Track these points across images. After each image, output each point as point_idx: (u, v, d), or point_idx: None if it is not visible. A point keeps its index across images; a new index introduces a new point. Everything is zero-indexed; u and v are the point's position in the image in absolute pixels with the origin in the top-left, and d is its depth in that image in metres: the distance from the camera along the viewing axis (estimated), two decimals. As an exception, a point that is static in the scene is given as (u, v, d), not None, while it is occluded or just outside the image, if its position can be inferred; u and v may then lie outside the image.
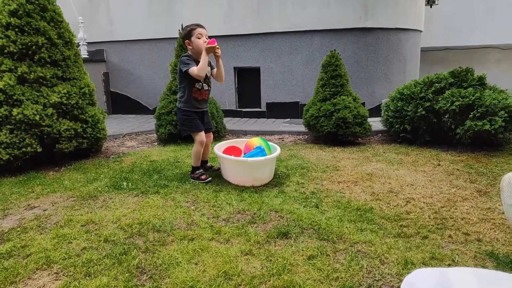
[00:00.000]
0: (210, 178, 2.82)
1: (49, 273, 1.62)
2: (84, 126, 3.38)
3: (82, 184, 2.82)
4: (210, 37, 2.70)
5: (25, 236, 1.97)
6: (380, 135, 4.53)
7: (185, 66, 2.65)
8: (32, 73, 3.06)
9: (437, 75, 3.93)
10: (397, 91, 4.11)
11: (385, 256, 1.70)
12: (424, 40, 6.97)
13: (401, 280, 1.40)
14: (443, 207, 2.27)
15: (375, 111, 5.50)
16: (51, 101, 3.12)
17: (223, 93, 5.99)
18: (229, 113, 5.96)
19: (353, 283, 1.50)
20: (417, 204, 2.33)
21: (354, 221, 2.07)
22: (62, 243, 1.88)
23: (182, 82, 2.77)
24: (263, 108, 6.01)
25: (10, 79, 2.98)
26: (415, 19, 6.02)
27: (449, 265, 1.64)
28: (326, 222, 2.05)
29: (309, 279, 1.53)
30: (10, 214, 2.29)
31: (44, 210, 2.33)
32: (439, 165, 3.18)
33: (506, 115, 3.38)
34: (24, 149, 3.01)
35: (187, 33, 2.71)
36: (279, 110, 5.89)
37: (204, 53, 2.58)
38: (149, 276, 1.58)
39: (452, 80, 3.80)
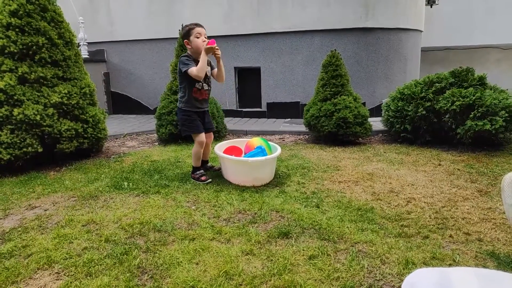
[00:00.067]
0: (210, 180, 2.82)
1: (50, 273, 1.62)
2: (85, 126, 3.38)
3: (83, 184, 2.82)
4: (210, 37, 2.70)
5: (26, 236, 1.97)
6: (381, 135, 4.53)
7: (184, 66, 2.65)
8: (33, 73, 3.07)
9: (437, 75, 3.93)
10: (397, 91, 4.11)
11: (386, 256, 1.70)
12: (424, 40, 6.97)
13: (402, 280, 1.40)
14: (444, 207, 2.27)
15: (375, 111, 5.50)
16: (51, 101, 3.12)
17: (224, 93, 6.00)
18: (229, 113, 5.97)
19: (354, 283, 1.50)
20: (418, 204, 2.33)
21: (355, 221, 2.07)
22: (63, 243, 1.88)
23: (182, 82, 2.78)
24: (264, 108, 6.01)
25: (10, 79, 2.98)
26: (415, 19, 6.02)
27: (450, 265, 1.64)
28: (327, 222, 2.05)
29: (310, 279, 1.54)
30: (11, 214, 2.30)
31: (45, 210, 2.34)
32: (439, 165, 3.18)
33: (506, 115, 3.38)
34: (25, 149, 3.02)
35: (186, 32, 2.71)
36: (279, 110, 5.89)
37: (203, 53, 2.58)
38: (150, 276, 1.59)
39: (453, 80, 3.80)
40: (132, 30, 6.28)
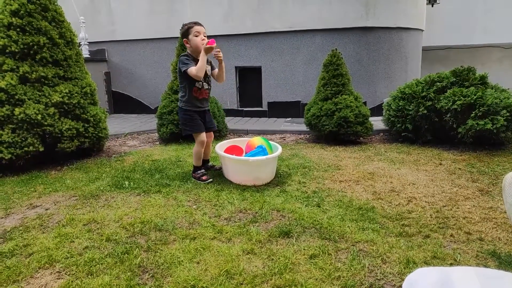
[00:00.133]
0: (211, 179, 2.82)
1: (51, 272, 1.62)
2: (86, 125, 3.39)
3: (84, 183, 2.82)
4: (211, 36, 2.70)
5: (27, 235, 1.97)
6: (382, 134, 4.53)
7: (184, 66, 2.65)
8: (34, 72, 3.07)
9: (438, 74, 3.92)
10: (398, 90, 4.11)
11: (387, 255, 1.70)
12: (425, 39, 6.96)
13: (403, 279, 1.40)
14: (445, 206, 2.27)
15: (376, 110, 5.49)
16: (52, 101, 3.13)
17: (225, 93, 6.00)
18: (230, 113, 5.96)
19: (355, 282, 1.50)
20: (419, 203, 2.32)
21: (356, 220, 2.07)
22: (64, 242, 1.88)
23: (182, 81, 2.78)
24: (265, 107, 6.01)
25: (12, 79, 2.99)
26: (416, 18, 6.00)
27: (451, 264, 1.64)
28: (327, 221, 2.05)
29: (310, 278, 1.54)
30: (13, 213, 2.30)
31: (46, 209, 2.34)
32: (440, 164, 3.17)
33: (508, 114, 3.38)
34: (26, 149, 3.02)
35: (185, 31, 2.71)
36: (280, 109, 5.89)
37: (202, 53, 2.57)
38: (151, 275, 1.59)
39: (454, 79, 3.79)
40: (133, 29, 6.29)
